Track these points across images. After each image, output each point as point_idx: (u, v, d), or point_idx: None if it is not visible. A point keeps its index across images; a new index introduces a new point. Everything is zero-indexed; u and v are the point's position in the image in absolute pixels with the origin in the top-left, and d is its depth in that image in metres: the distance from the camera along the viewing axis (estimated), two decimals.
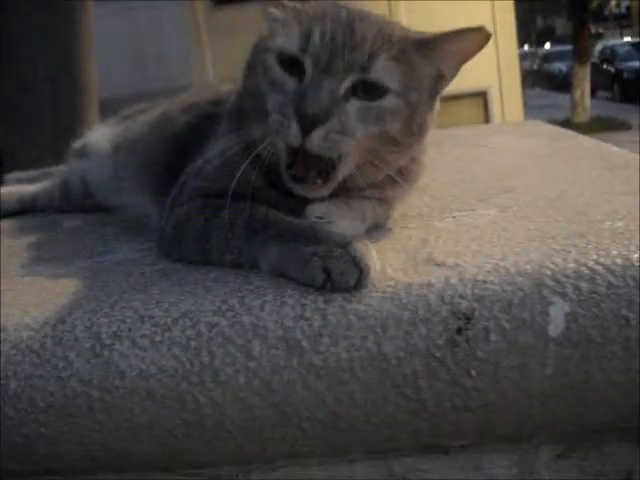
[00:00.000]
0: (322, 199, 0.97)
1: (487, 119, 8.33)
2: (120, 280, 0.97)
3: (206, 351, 0.80)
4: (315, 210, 0.95)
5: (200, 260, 0.97)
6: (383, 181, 1.02)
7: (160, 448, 0.84)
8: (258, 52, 1.00)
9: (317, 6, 0.97)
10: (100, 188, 1.51)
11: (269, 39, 0.98)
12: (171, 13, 7.47)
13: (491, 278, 0.82)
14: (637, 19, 26.91)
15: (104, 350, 0.82)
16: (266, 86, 0.96)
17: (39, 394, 0.82)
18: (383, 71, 0.94)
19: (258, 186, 0.97)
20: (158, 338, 0.82)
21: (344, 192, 0.99)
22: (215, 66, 7.89)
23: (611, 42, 22.62)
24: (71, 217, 1.52)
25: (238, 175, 0.94)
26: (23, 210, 1.65)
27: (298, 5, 0.98)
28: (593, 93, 15.09)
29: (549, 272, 0.82)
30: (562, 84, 19.16)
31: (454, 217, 1.09)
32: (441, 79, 1.00)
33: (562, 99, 16.29)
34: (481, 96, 8.29)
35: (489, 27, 0.95)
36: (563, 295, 0.79)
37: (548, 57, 25.27)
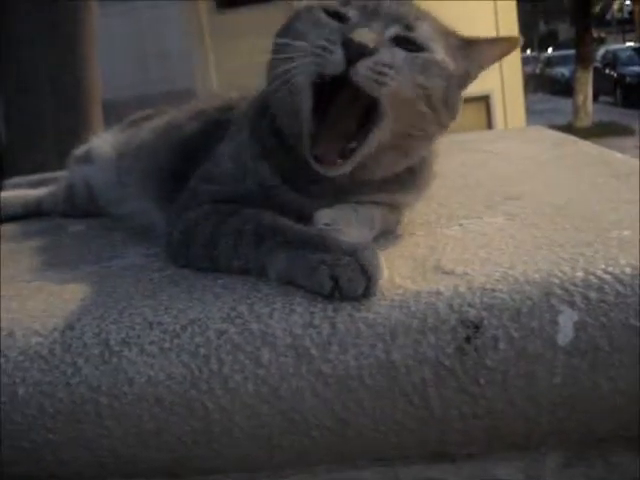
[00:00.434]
0: (333, 199, 0.97)
1: (490, 123, 8.35)
2: (128, 286, 0.97)
3: (215, 358, 0.80)
4: (323, 217, 0.94)
5: (208, 266, 0.97)
6: (393, 186, 1.02)
7: (168, 455, 0.84)
8: (291, 20, 0.98)
9: None
10: (103, 194, 1.51)
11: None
12: (174, 15, 7.48)
13: (500, 287, 0.82)
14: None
15: (113, 357, 0.82)
16: (307, 28, 0.94)
17: (47, 400, 0.82)
18: (427, 35, 0.95)
19: (271, 185, 0.97)
20: (167, 345, 0.82)
21: (356, 192, 0.99)
22: (218, 69, 7.90)
23: (613, 47, 22.61)
24: (76, 222, 1.53)
25: (251, 174, 0.93)
26: (27, 214, 1.65)
27: None
28: (595, 98, 15.10)
29: (557, 281, 0.82)
30: (564, 89, 19.16)
31: (461, 224, 1.09)
32: (467, 77, 1.01)
33: (564, 104, 16.29)
34: (483, 100, 8.31)
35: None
36: (572, 304, 0.80)
37: (550, 62, 25.27)
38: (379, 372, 0.79)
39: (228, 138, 1.08)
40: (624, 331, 0.79)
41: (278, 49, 0.96)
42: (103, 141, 1.58)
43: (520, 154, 1.79)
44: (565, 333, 0.79)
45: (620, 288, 0.80)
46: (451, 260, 0.91)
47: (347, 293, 0.82)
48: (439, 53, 0.95)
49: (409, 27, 0.94)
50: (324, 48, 0.88)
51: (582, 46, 13.84)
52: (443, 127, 1.00)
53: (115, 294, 0.94)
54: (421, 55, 0.93)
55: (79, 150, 1.63)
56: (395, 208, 1.06)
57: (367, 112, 0.92)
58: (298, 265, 0.86)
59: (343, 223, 0.94)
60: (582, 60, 13.68)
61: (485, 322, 0.79)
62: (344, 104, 0.92)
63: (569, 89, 15.40)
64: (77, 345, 0.84)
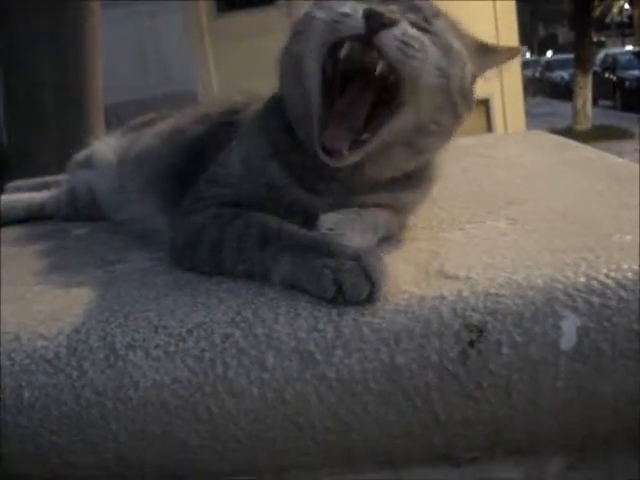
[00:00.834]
0: (341, 198, 0.98)
1: (489, 126, 8.35)
2: (133, 290, 0.97)
3: (220, 362, 0.81)
4: (327, 221, 0.95)
5: (213, 270, 0.98)
6: (400, 186, 1.02)
7: (173, 458, 0.84)
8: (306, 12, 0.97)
9: None
10: (105, 198, 1.51)
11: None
12: (174, 19, 7.49)
13: (503, 291, 0.82)
14: (639, 28, 26.95)
15: (118, 360, 0.83)
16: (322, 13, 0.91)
17: (53, 403, 0.83)
18: (444, 27, 0.95)
19: (280, 184, 0.98)
20: (172, 349, 0.82)
21: (364, 191, 0.99)
22: (218, 71, 7.91)
23: (613, 50, 22.64)
24: (79, 225, 1.53)
25: (260, 173, 0.93)
26: (30, 217, 1.66)
27: None
28: (595, 101, 15.11)
29: (560, 286, 0.82)
30: (564, 92, 19.16)
31: (464, 229, 1.09)
32: (475, 79, 1.02)
33: (564, 107, 16.31)
34: (483, 104, 8.32)
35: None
36: (574, 309, 0.80)
37: (550, 65, 25.30)
38: (383, 376, 0.80)
39: (236, 141, 1.08)
40: (627, 336, 0.79)
41: (291, 39, 0.97)
42: (104, 145, 1.58)
43: (521, 158, 1.80)
44: (568, 338, 0.79)
45: (622, 293, 0.81)
46: (454, 265, 0.92)
47: (350, 298, 0.82)
48: (456, 44, 0.96)
49: (426, 19, 0.94)
50: (343, 14, 0.86)
51: (582, 50, 13.86)
52: (459, 122, 1.00)
53: (120, 298, 0.95)
54: (441, 40, 0.93)
55: (80, 154, 1.63)
56: (400, 211, 1.06)
57: (379, 102, 0.92)
58: (302, 269, 0.87)
59: (347, 228, 0.94)
60: (582, 64, 13.70)
61: (489, 327, 0.80)
62: (355, 91, 0.92)
63: (569, 93, 15.41)
64: (82, 349, 0.84)
